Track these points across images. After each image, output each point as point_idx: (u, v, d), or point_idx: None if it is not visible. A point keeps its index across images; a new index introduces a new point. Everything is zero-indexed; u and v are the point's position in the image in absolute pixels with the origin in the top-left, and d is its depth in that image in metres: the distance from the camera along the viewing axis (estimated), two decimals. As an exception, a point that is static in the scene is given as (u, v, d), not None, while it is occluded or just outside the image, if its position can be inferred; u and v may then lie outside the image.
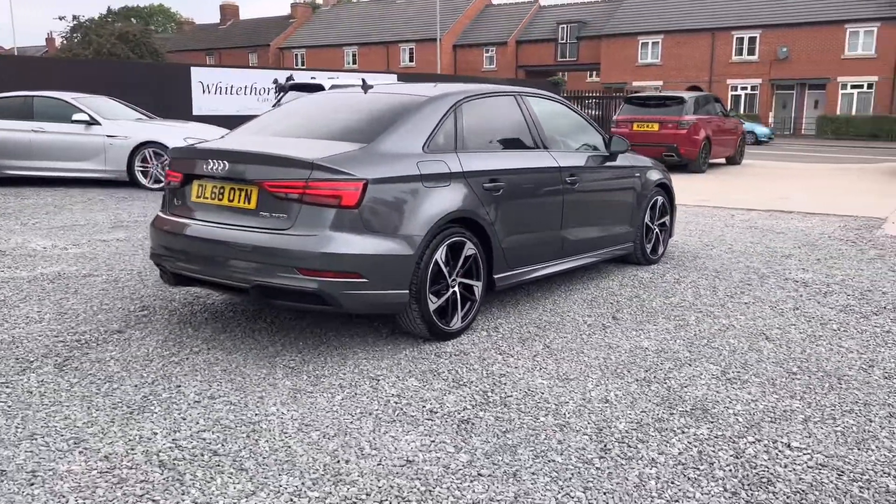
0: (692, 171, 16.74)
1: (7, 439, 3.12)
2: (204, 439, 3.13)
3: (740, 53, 40.48)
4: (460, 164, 4.49)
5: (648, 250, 6.49)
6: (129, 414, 3.38)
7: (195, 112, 16.85)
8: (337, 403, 3.51)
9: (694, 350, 4.28)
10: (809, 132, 38.05)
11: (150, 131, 11.81)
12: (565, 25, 48.80)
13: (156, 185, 11.52)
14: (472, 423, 3.29)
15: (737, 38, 40.50)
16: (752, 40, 40.09)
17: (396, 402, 3.53)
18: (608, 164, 5.88)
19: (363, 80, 5.10)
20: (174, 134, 11.69)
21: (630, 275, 6.20)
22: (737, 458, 2.99)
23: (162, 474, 2.84)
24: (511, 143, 5.08)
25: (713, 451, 3.04)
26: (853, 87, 37.45)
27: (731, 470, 2.89)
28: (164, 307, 5.13)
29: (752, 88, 39.77)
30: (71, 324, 4.73)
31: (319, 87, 14.27)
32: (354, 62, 54.95)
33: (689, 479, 2.82)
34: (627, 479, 2.81)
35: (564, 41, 48.86)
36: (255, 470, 2.87)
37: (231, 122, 14.82)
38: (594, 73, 49.40)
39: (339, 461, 2.95)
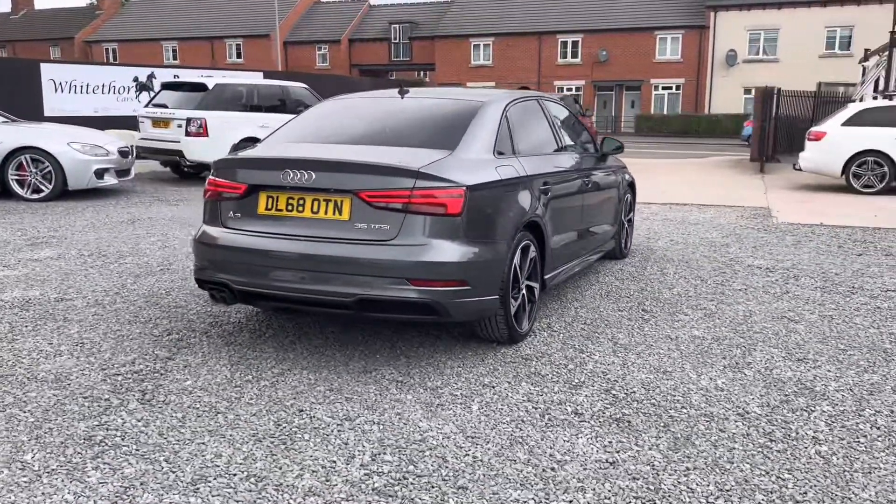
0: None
1: (178, 487, 2.82)
2: (390, 462, 3.02)
3: (565, 56, 43.07)
4: (523, 167, 4.57)
5: (622, 245, 6.90)
6: (282, 444, 3.17)
7: (47, 113, 15.27)
8: (478, 413, 3.49)
9: (744, 336, 4.67)
10: (628, 130, 41.26)
11: (26, 135, 10.60)
12: (398, 25, 49.30)
13: (35, 196, 10.38)
14: (629, 421, 3.42)
15: (561, 41, 43.05)
16: (574, 44, 42.79)
17: (534, 407, 3.57)
18: (601, 164, 6.18)
19: (400, 85, 5.01)
20: (55, 138, 10.60)
21: (615, 269, 6.56)
22: (877, 427, 3.36)
23: (389, 502, 2.72)
24: (545, 146, 5.23)
25: (855, 426, 3.39)
26: (664, 88, 41.16)
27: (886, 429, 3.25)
28: (188, 328, 4.76)
29: (577, 89, 42.46)
30: (106, 355, 4.28)
31: (201, 86, 13.53)
32: (175, 58, 51.99)
33: (863, 451, 3.14)
34: (811, 458, 3.08)
35: (398, 41, 49.35)
36: (477, 487, 2.83)
37: (90, 123, 13.62)
38: (423, 72, 50.34)
39: (544, 470, 2.97)
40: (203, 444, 3.17)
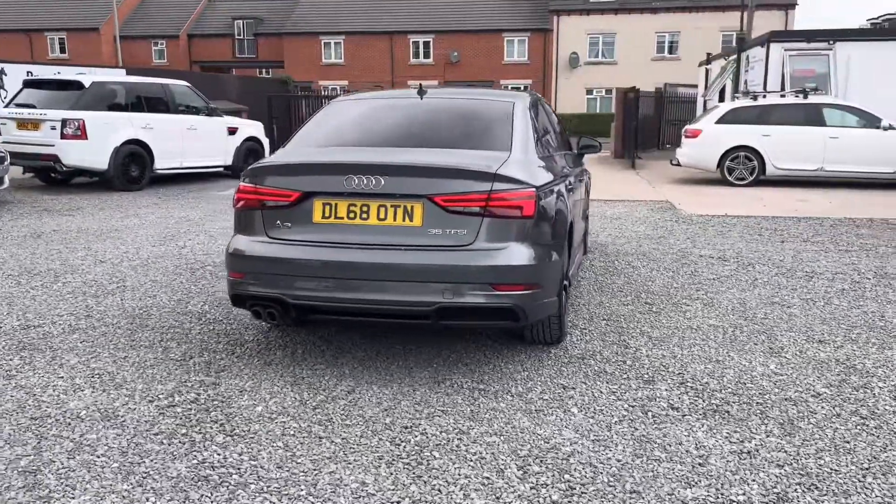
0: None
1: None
2: (542, 473, 2.95)
3: (417, 56, 43.43)
4: (558, 166, 4.60)
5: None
6: (416, 464, 3.01)
7: None
8: (582, 416, 3.49)
9: (756, 322, 4.97)
10: (481, 128, 42.30)
11: None
12: (241, 21, 47.46)
13: None
14: (727, 411, 3.55)
15: (413, 41, 43.36)
16: (426, 44, 43.25)
17: (629, 405, 3.62)
18: (580, 162, 6.34)
19: (420, 86, 4.86)
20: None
21: (586, 265, 6.75)
22: (925, 399, 3.72)
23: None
24: (554, 145, 5.28)
25: (910, 398, 3.73)
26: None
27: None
28: (207, 349, 4.38)
29: (430, 88, 43.03)
30: (137, 385, 3.87)
31: (75, 84, 12.36)
32: (-13, 52, 46.93)
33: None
34: (904, 430, 3.36)
35: (242, 37, 47.51)
36: (649, 490, 2.83)
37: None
38: (267, 70, 48.88)
39: (694, 466, 3.02)
40: (334, 472, 2.94)
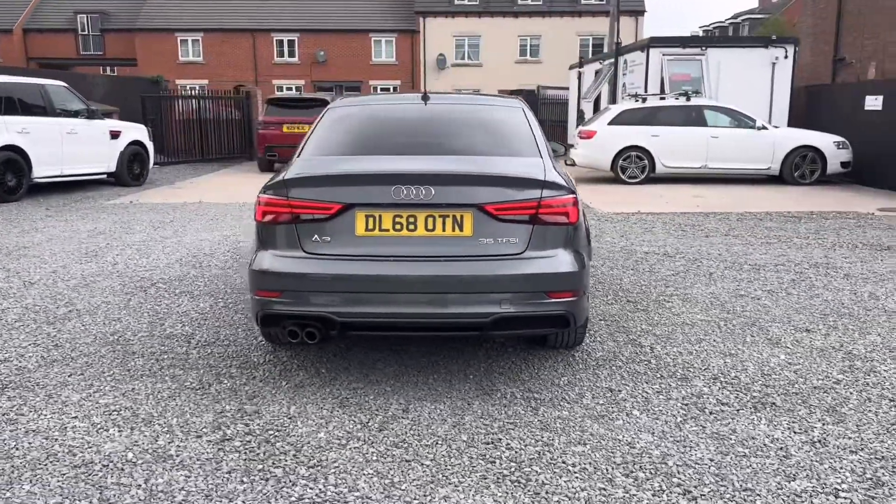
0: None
1: None
2: (659, 482, 2.99)
3: (282, 55, 42.29)
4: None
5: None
6: (527, 479, 2.96)
7: None
8: (647, 418, 3.56)
9: (739, 315, 5.25)
10: (350, 129, 41.88)
11: None
12: (84, 15, 44.24)
13: None
14: (773, 403, 3.74)
15: (276, 40, 42.18)
16: (291, 43, 42.21)
17: (682, 404, 3.73)
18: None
19: (424, 91, 4.74)
20: None
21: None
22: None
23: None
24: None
25: (915, 378, 4.10)
26: (382, 89, 42.43)
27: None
28: (223, 374, 4.09)
29: (297, 89, 42.00)
30: (171, 420, 3.55)
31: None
32: None
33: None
34: (929, 408, 3.69)
35: (87, 32, 44.30)
36: (760, 486, 2.93)
37: None
38: (113, 68, 45.98)
39: (780, 458, 3.15)
40: (448, 497, 2.83)
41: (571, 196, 3.83)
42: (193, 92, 24.85)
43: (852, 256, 7.27)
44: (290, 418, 3.52)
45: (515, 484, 2.92)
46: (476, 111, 4.67)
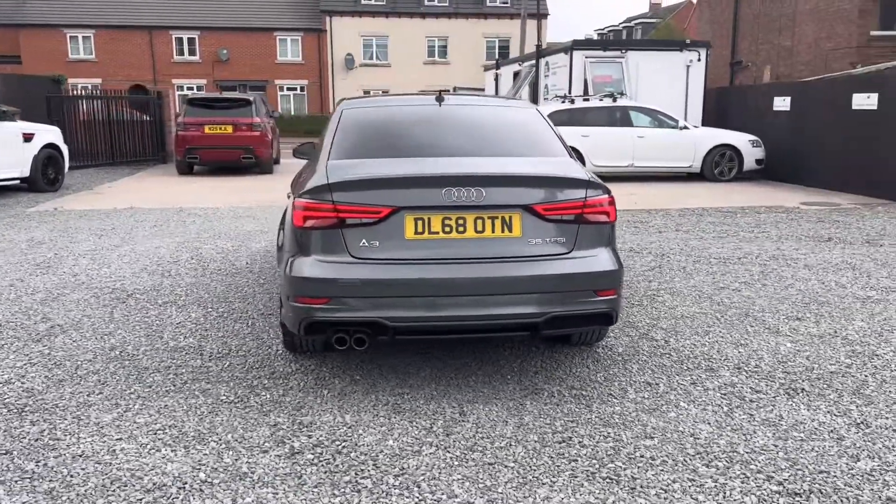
0: (264, 173, 17.18)
1: None
2: (747, 471, 3.10)
3: (182, 53, 40.77)
4: None
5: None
6: (617, 473, 3.01)
7: None
8: (696, 409, 3.69)
9: (732, 307, 5.50)
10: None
11: None
12: (-39, 9, 41.19)
13: None
14: (803, 389, 3.94)
15: (176, 37, 40.62)
16: (191, 41, 40.75)
17: (721, 394, 3.88)
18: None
19: (439, 92, 4.70)
20: None
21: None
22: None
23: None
24: None
25: (914, 359, 4.42)
26: (289, 89, 41.67)
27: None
28: (256, 385, 3.95)
29: (199, 88, 40.59)
30: (224, 436, 3.39)
31: None
32: None
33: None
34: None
35: (-37, 28, 41.26)
36: (834, 469, 3.10)
37: None
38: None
39: (836, 441, 3.34)
40: (549, 497, 2.85)
41: (609, 195, 3.92)
42: (86, 91, 23.60)
43: (802, 248, 7.74)
44: (349, 427, 3.44)
45: (608, 480, 2.97)
46: (495, 113, 4.69)
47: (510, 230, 3.70)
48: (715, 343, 4.67)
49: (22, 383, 3.99)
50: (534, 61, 19.63)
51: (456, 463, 3.11)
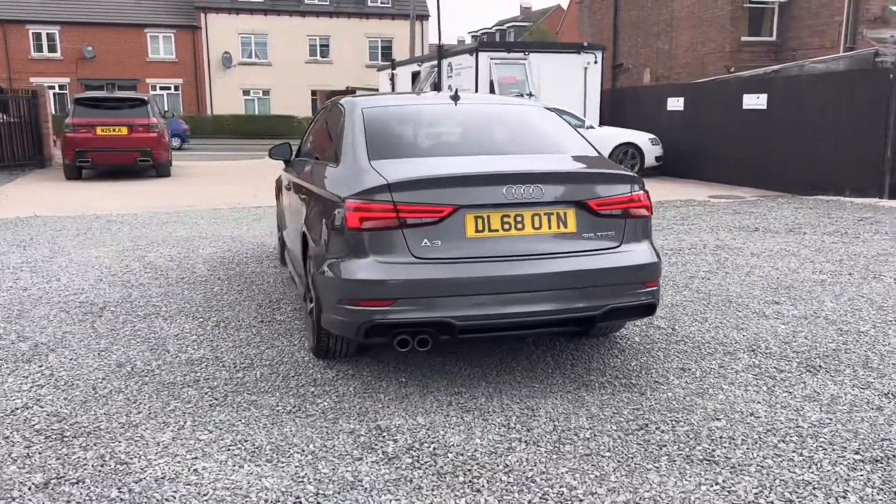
0: (161, 176, 16.38)
1: (759, 514, 2.70)
2: (818, 435, 3.33)
3: (41, 50, 37.95)
4: None
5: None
6: (703, 455, 3.16)
7: None
8: (752, 392, 3.89)
9: (711, 295, 5.84)
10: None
11: None
12: None
13: None
14: (821, 367, 4.26)
15: (33, 32, 37.77)
16: (51, 36, 38.01)
17: (755, 376, 4.13)
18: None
19: (455, 91, 4.69)
20: None
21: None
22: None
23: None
24: None
25: None
26: (162, 88, 39.71)
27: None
28: (312, 395, 3.83)
29: (61, 87, 37.96)
30: (315, 444, 3.26)
31: None
32: None
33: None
34: (927, 357, 4.43)
35: None
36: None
37: None
38: None
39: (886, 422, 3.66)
40: (663, 482, 2.95)
41: (646, 190, 4.08)
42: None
43: (738, 238, 8.30)
44: (428, 429, 3.40)
45: (706, 462, 3.10)
46: (515, 111, 4.75)
47: (565, 226, 3.77)
48: (717, 328, 4.94)
49: (42, 407, 3.65)
50: (435, 62, 19.77)
51: (555, 457, 3.15)
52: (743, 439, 3.31)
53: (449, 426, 3.43)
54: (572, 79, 17.74)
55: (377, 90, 26.46)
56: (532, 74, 17.43)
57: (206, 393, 3.83)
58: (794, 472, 3.01)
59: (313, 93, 40.62)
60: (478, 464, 3.08)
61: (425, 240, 3.60)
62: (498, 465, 3.07)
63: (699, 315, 5.25)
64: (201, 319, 5.16)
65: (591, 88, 17.96)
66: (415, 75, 21.62)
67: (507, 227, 3.69)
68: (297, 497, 2.81)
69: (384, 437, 3.32)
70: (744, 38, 21.77)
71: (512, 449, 3.21)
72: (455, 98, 4.67)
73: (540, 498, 2.82)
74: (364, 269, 3.61)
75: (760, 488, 2.89)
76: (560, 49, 18.93)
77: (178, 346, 4.59)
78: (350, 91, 26.35)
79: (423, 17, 42.65)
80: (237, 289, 6.03)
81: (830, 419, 3.52)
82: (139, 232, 8.84)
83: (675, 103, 16.24)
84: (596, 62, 17.84)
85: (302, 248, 4.55)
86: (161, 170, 16.42)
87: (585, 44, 18.71)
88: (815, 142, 12.44)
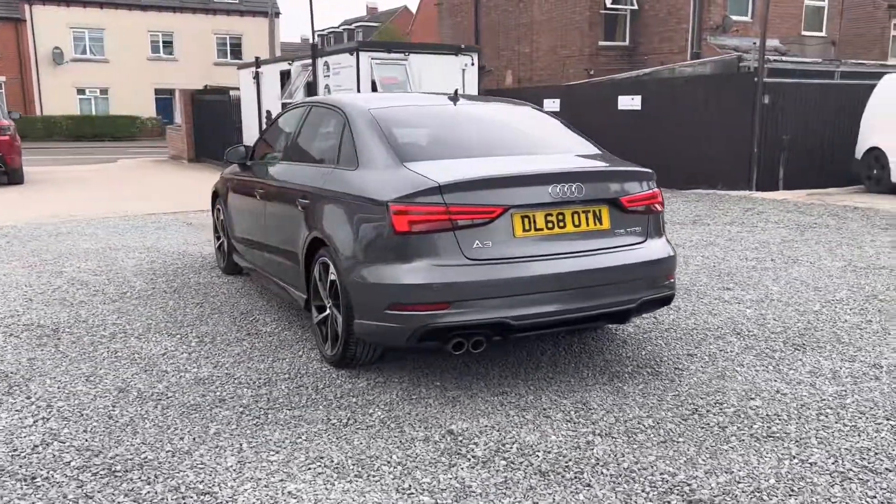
0: (14, 183, 14.94)
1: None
2: (845, 405, 3.64)
3: None
4: None
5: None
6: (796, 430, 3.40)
7: None
8: (776, 370, 4.20)
9: (699, 284, 6.16)
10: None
11: None
12: None
13: None
14: (805, 346, 4.67)
15: None
16: None
17: (766, 354, 4.45)
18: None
19: (455, 91, 4.64)
20: None
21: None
22: None
23: None
24: None
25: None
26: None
27: None
28: (355, 403, 3.71)
29: None
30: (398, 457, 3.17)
31: None
32: None
33: None
34: None
35: None
36: None
37: None
38: None
39: None
40: (746, 457, 3.13)
41: (658, 186, 4.28)
42: None
43: (680, 231, 8.75)
44: (499, 430, 3.39)
45: (772, 439, 3.31)
46: (517, 111, 4.83)
47: (600, 223, 3.88)
48: (693, 315, 5.25)
49: (63, 442, 3.27)
50: (307, 61, 19.36)
51: (635, 446, 3.24)
52: (787, 415, 3.57)
53: (516, 426, 3.44)
54: (451, 80, 17.94)
55: (238, 89, 25.47)
56: (413, 75, 17.53)
57: (241, 412, 3.59)
58: (851, 441, 3.29)
59: (157, 91, 38.45)
60: (570, 459, 3.11)
61: (477, 241, 3.58)
62: (589, 460, 3.12)
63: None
64: (179, 336, 4.80)
65: (469, 90, 18.31)
66: (284, 74, 21.04)
67: (550, 225, 3.75)
68: (422, 510, 2.72)
69: (462, 441, 3.28)
70: (601, 43, 23.05)
71: (591, 443, 3.27)
72: (454, 99, 4.66)
73: (650, 486, 2.91)
74: (416, 273, 3.54)
75: (833, 457, 3.14)
76: (438, 51, 19.12)
77: (174, 365, 4.25)
78: (209, 90, 25.19)
79: (274, 13, 41.49)
80: (195, 302, 5.65)
81: (845, 391, 3.87)
82: (35, 245, 8.02)
83: (552, 104, 16.93)
84: (473, 64, 18.20)
85: (306, 255, 4.36)
86: (13, 176, 14.94)
87: (462, 46, 19.06)
88: (688, 140, 13.44)
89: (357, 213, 3.87)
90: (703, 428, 3.43)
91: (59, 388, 3.91)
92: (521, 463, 3.08)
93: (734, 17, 21.23)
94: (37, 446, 3.24)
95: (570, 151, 4.35)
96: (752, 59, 13.05)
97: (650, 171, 4.15)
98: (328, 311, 4.16)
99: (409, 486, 2.90)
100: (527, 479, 2.95)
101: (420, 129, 4.34)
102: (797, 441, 3.30)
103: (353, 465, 3.07)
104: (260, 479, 2.95)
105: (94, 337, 4.76)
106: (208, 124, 21.12)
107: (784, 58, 14.03)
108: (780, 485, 2.92)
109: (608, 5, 22.80)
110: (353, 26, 63.20)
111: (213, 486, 2.89)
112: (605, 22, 23.18)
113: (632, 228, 4.00)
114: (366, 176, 3.96)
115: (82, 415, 3.56)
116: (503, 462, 3.09)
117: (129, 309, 5.43)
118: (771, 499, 2.82)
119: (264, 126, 22.71)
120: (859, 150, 12.46)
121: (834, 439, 3.31)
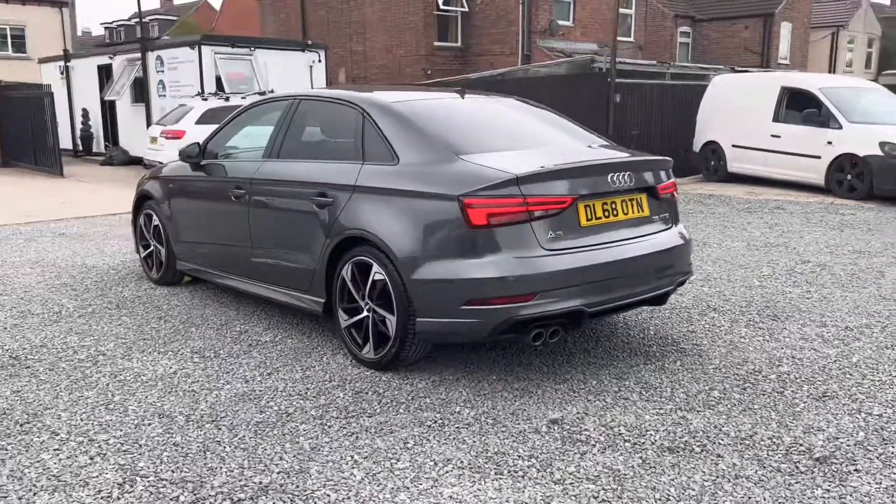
0: None
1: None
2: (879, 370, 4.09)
3: None
4: None
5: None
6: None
7: None
8: (784, 345, 4.60)
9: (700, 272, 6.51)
10: None
11: None
12: None
13: None
14: (788, 317, 5.15)
15: None
16: None
17: (763, 326, 4.86)
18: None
19: (461, 87, 4.57)
20: None
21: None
22: None
23: None
24: None
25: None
26: None
27: None
28: (409, 407, 3.62)
29: None
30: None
31: None
32: None
33: None
34: None
35: None
36: None
37: None
38: None
39: None
40: (810, 424, 3.45)
41: (672, 173, 4.53)
42: None
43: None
44: (593, 416, 3.44)
45: (828, 398, 3.64)
46: (525, 106, 4.88)
47: (642, 210, 4.06)
48: (680, 296, 5.46)
49: (146, 478, 2.87)
50: (135, 55, 17.93)
51: (724, 417, 3.44)
52: (826, 375, 3.95)
53: (606, 408, 3.51)
54: (299, 76, 17.53)
55: (49, 85, 22.95)
56: (259, 71, 16.84)
57: (320, 425, 3.35)
58: (891, 392, 3.72)
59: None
60: (681, 435, 3.24)
61: (551, 231, 3.61)
62: (696, 433, 3.27)
63: (718, 286, 5.81)
64: (171, 353, 4.34)
65: (317, 86, 17.94)
66: (103, 69, 19.31)
67: (606, 214, 3.86)
68: (591, 497, 2.71)
69: (570, 429, 3.30)
70: (436, 44, 23.51)
71: (686, 419, 3.43)
72: (462, 94, 4.65)
73: (770, 450, 3.11)
74: (497, 266, 3.49)
75: (891, 408, 3.53)
76: (285, 46, 18.51)
77: (198, 384, 3.85)
78: (15, 86, 22.50)
79: (62, 3, 37.88)
80: (156, 316, 5.10)
81: (844, 352, 4.35)
82: None
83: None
84: (320, 61, 17.88)
85: (329, 256, 4.12)
86: None
87: (309, 42, 18.61)
88: (548, 136, 14.12)
89: (415, 208, 3.73)
90: (764, 395, 3.70)
91: (83, 420, 3.39)
92: (644, 443, 3.17)
93: (559, 22, 22.59)
94: (121, 485, 2.81)
95: (595, 142, 4.48)
96: (604, 60, 14.01)
97: (668, 159, 4.38)
98: (365, 314, 3.97)
99: (561, 476, 2.88)
100: (661, 458, 3.03)
101: (451, 123, 4.25)
102: (850, 397, 3.67)
103: (485, 462, 2.99)
104: (407, 487, 2.78)
105: (71, 362, 4.17)
106: (17, 124, 18.85)
107: (628, 59, 15.21)
108: (872, 437, 3.24)
109: (440, 6, 23.31)
110: (147, 19, 59.19)
111: (362, 500, 2.68)
112: (437, 23, 23.67)
113: (663, 214, 4.21)
114: (416, 170, 3.83)
115: (147, 445, 3.14)
116: (627, 444, 3.16)
117: (83, 329, 4.79)
118: (875, 449, 3.13)
119: (78, 125, 20.72)
120: (697, 144, 13.81)
121: (883, 393, 3.72)
